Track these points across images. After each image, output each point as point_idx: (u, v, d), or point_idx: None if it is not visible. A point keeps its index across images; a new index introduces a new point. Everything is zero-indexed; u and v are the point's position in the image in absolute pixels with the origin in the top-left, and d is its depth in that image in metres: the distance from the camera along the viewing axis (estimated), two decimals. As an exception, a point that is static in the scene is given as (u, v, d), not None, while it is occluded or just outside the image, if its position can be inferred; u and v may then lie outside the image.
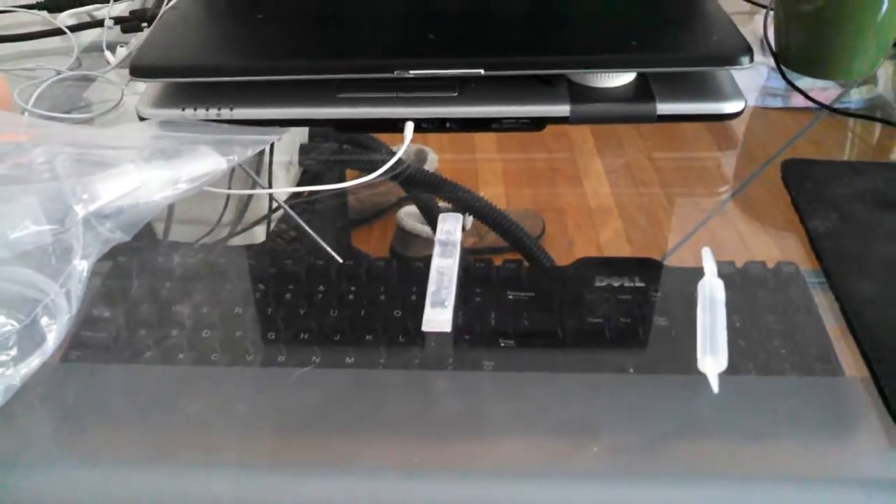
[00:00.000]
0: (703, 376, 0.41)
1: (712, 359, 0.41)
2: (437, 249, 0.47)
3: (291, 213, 0.55)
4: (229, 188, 0.56)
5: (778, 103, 0.66)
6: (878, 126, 0.64)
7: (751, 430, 0.40)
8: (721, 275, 0.46)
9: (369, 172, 0.55)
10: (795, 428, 0.40)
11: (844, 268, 0.47)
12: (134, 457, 0.39)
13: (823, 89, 0.66)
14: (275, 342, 0.45)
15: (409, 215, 0.58)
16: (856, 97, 0.68)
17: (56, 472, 0.39)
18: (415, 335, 0.44)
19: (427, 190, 0.59)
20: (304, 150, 0.62)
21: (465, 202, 0.57)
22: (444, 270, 0.46)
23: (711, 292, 0.45)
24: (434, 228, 0.52)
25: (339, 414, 0.41)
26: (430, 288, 0.45)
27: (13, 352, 0.39)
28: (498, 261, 0.49)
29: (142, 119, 0.56)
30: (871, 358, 0.41)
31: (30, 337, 0.40)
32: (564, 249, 0.54)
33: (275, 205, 0.58)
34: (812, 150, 0.60)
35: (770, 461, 0.38)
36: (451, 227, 0.48)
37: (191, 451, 0.39)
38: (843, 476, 0.38)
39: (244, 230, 0.58)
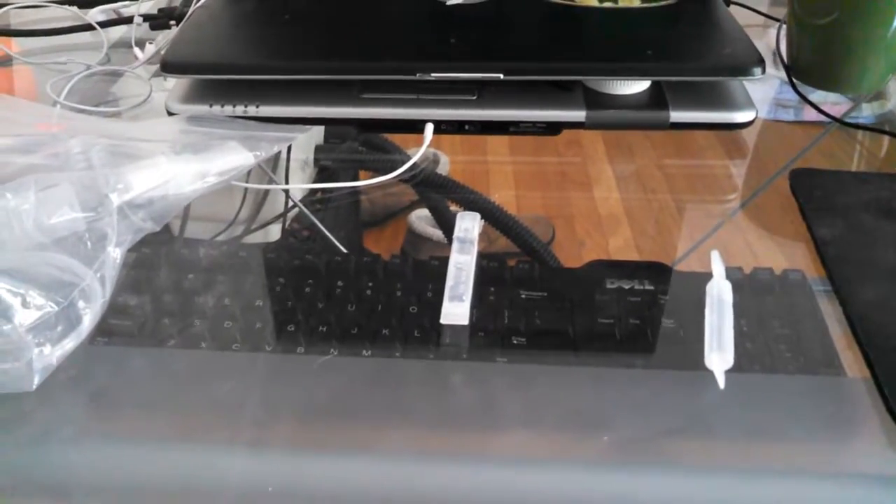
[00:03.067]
0: (709, 374, 0.42)
1: (718, 356, 0.42)
2: (455, 246, 0.49)
3: (306, 210, 0.56)
4: (246, 183, 0.57)
5: (790, 115, 0.67)
6: (886, 140, 0.65)
7: (754, 426, 0.41)
8: (729, 280, 0.47)
9: (383, 174, 0.56)
10: (797, 425, 0.41)
11: (848, 273, 0.48)
12: (160, 436, 0.41)
13: (835, 103, 0.67)
14: (294, 334, 0.46)
15: (421, 219, 0.59)
16: (867, 112, 0.69)
17: (88, 448, 0.40)
18: (430, 330, 0.46)
19: (439, 193, 0.60)
20: (319, 150, 0.63)
21: (476, 206, 0.58)
22: (462, 266, 0.47)
23: (719, 293, 0.46)
24: (445, 232, 0.53)
25: (357, 401, 0.42)
26: (449, 283, 0.46)
27: (51, 333, 0.40)
28: (512, 261, 0.51)
29: (170, 114, 0.58)
30: (872, 358, 0.42)
31: (66, 319, 0.41)
32: (576, 250, 0.55)
33: (290, 203, 0.59)
34: (822, 161, 0.61)
35: (772, 456, 0.40)
36: (469, 225, 0.50)
37: (214, 432, 0.41)
38: (843, 471, 0.40)
39: (260, 227, 0.59)
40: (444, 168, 0.63)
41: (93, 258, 0.43)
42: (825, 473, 0.40)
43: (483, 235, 0.57)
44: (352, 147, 0.63)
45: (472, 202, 0.59)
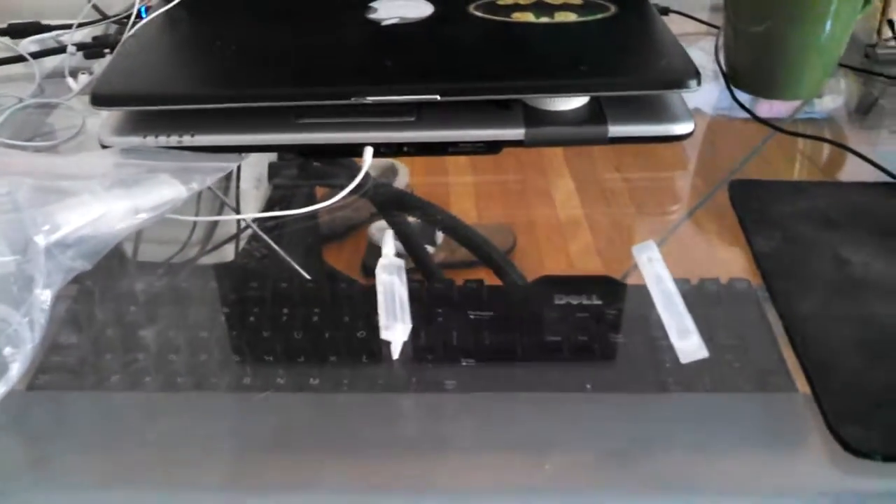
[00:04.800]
0: (656, 395, 0.42)
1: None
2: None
3: (262, 234, 0.56)
4: (197, 208, 0.57)
5: (741, 115, 0.67)
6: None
7: (699, 445, 0.41)
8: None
9: (338, 190, 0.55)
10: (744, 444, 0.41)
11: (786, 286, 0.48)
12: (100, 481, 0.40)
13: (784, 101, 0.68)
14: (240, 364, 0.45)
15: (381, 230, 0.59)
16: (818, 108, 0.70)
17: (23, 499, 0.39)
18: (378, 355, 0.45)
19: (396, 207, 0.60)
20: (272, 168, 0.62)
21: (433, 218, 0.58)
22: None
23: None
24: (405, 244, 0.53)
25: (301, 435, 0.42)
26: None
27: (-22, 382, 0.39)
28: (460, 280, 0.50)
29: (104, 147, 0.56)
30: (811, 375, 0.42)
31: (-8, 366, 0.40)
32: (538, 257, 0.55)
33: (244, 224, 0.58)
34: (771, 163, 0.62)
35: (718, 475, 0.40)
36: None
37: (156, 474, 0.40)
38: (785, 489, 0.40)
39: (213, 250, 0.58)
40: (402, 180, 0.63)
41: (20, 301, 0.42)
42: (767, 491, 0.39)
43: (444, 246, 0.57)
44: (305, 164, 0.62)
45: (429, 214, 0.58)
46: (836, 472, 0.39)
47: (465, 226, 0.56)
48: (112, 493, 0.39)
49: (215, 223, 0.59)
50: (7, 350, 0.41)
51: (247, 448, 0.41)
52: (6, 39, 0.75)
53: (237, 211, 0.61)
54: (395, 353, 0.45)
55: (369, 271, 0.52)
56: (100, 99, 0.55)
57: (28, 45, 0.75)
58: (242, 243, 0.59)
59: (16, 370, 0.41)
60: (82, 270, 0.46)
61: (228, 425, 0.43)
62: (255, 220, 0.57)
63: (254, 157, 0.59)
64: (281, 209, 0.58)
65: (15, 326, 0.41)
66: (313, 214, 0.57)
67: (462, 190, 0.62)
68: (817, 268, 0.49)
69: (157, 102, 0.56)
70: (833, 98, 0.71)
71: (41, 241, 0.44)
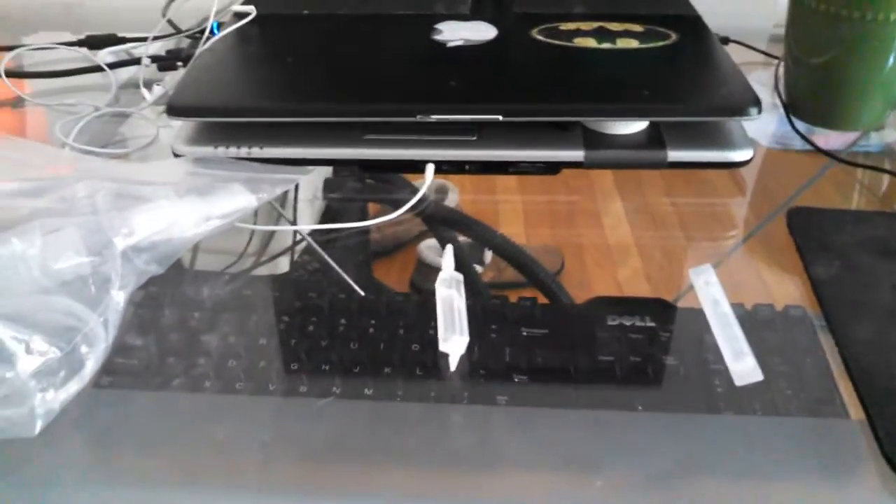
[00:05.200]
0: (708, 416, 0.42)
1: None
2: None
3: (316, 247, 0.57)
4: (255, 220, 0.58)
5: (797, 146, 0.67)
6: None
7: (751, 469, 0.41)
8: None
9: (391, 207, 0.57)
10: (795, 469, 0.41)
11: (844, 314, 0.48)
12: (163, 479, 0.41)
13: (841, 133, 0.68)
14: (297, 373, 0.46)
15: (430, 249, 0.60)
16: (875, 140, 0.69)
17: (90, 492, 0.41)
18: (432, 368, 0.46)
19: (447, 225, 0.61)
20: (328, 184, 0.63)
21: (483, 237, 0.59)
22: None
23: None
24: (454, 263, 0.54)
25: (357, 443, 0.43)
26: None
27: (54, 378, 0.41)
28: (514, 297, 0.51)
29: (176, 155, 0.59)
30: (867, 402, 0.42)
31: (69, 364, 0.42)
32: (579, 287, 0.55)
33: (298, 237, 0.60)
34: (826, 194, 0.61)
35: (770, 501, 0.40)
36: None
37: (215, 475, 0.41)
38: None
39: (268, 261, 0.60)
40: (453, 200, 0.64)
41: (97, 302, 0.44)
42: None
43: (492, 266, 0.58)
44: (359, 181, 0.63)
45: (479, 234, 0.59)
46: (892, 500, 0.39)
47: (514, 246, 0.57)
48: (172, 492, 0.41)
49: (270, 236, 0.60)
50: (83, 349, 0.42)
51: (302, 453, 0.42)
52: (84, 50, 0.78)
53: (294, 223, 0.63)
54: (453, 364, 0.46)
55: (418, 289, 0.53)
56: (175, 110, 0.57)
57: (105, 56, 0.77)
58: (297, 256, 0.60)
59: (89, 368, 0.43)
60: (155, 274, 0.47)
61: (285, 430, 0.44)
62: (310, 232, 0.59)
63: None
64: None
65: (91, 325, 0.43)
66: (365, 230, 0.58)
67: (511, 211, 0.63)
68: (875, 296, 0.49)
69: (230, 115, 0.58)
70: (890, 131, 0.70)
71: (119, 243, 0.45)
